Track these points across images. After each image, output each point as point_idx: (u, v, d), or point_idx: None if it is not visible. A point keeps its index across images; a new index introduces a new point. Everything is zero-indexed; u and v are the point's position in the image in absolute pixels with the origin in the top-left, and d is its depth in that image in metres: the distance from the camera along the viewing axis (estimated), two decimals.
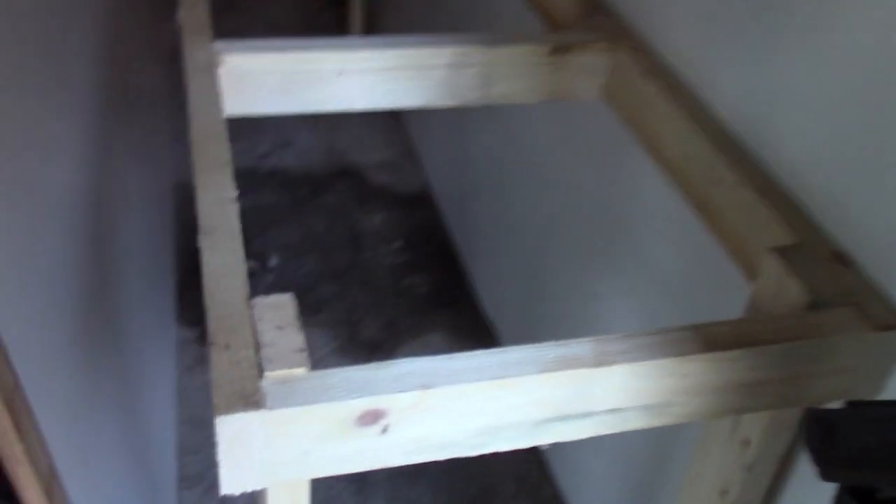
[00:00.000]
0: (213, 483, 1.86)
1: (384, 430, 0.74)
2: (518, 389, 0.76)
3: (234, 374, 0.72)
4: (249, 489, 0.75)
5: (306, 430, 0.72)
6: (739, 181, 1.01)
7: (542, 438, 0.81)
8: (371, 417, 0.73)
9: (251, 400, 0.70)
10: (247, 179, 2.79)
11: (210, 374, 0.73)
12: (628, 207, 1.45)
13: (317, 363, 2.13)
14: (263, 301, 0.79)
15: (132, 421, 1.83)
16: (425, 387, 0.73)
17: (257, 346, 0.75)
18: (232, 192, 0.94)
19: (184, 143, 1.09)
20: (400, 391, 0.73)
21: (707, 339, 0.81)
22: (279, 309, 0.79)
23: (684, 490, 1.14)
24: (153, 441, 1.90)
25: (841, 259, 0.92)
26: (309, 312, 2.35)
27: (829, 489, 1.02)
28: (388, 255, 2.61)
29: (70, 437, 1.17)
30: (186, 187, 2.68)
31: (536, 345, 0.78)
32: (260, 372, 0.72)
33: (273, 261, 2.52)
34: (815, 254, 0.92)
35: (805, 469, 1.04)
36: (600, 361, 0.77)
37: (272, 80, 1.18)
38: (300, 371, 0.73)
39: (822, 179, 0.97)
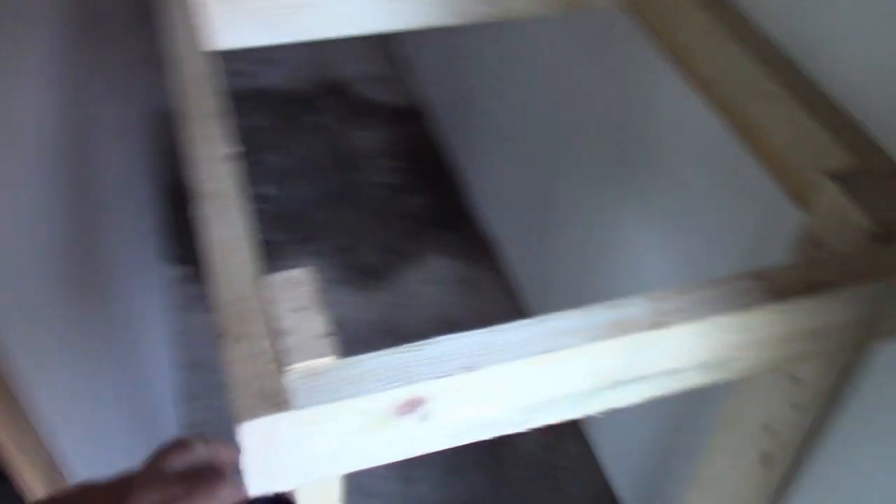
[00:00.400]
0: (216, 430, 1.81)
1: (425, 417, 0.67)
2: (568, 361, 0.68)
3: (252, 370, 0.64)
4: (279, 490, 0.68)
5: (340, 426, 0.64)
6: (789, 94, 0.92)
7: (592, 408, 0.74)
8: (411, 406, 0.65)
9: (276, 400, 0.62)
10: (228, 101, 2.65)
11: (225, 372, 0.65)
12: (651, 125, 1.35)
13: None
14: (277, 279, 0.70)
15: (128, 367, 1.76)
16: (469, 369, 0.65)
17: (276, 334, 0.66)
18: (229, 147, 0.84)
19: (157, 68, 0.98)
20: (441, 376, 0.65)
21: (771, 287, 0.73)
22: (296, 287, 0.70)
23: (723, 424, 1.08)
24: (153, 386, 1.83)
25: None
26: (303, 241, 2.27)
27: (875, 430, 0.97)
28: (384, 174, 2.51)
29: (62, 387, 1.10)
30: (162, 115, 2.55)
31: (584, 309, 0.70)
32: (282, 365, 0.64)
33: (269, 189, 2.42)
34: (878, 177, 0.84)
35: (853, 407, 0.98)
36: (657, 322, 0.69)
37: (262, 6, 1.06)
38: (328, 360, 0.65)
39: (882, 94, 0.87)
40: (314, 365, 0.64)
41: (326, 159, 2.55)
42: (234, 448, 0.54)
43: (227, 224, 0.75)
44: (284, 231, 2.27)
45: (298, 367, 0.64)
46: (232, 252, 0.73)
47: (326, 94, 2.78)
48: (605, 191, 1.55)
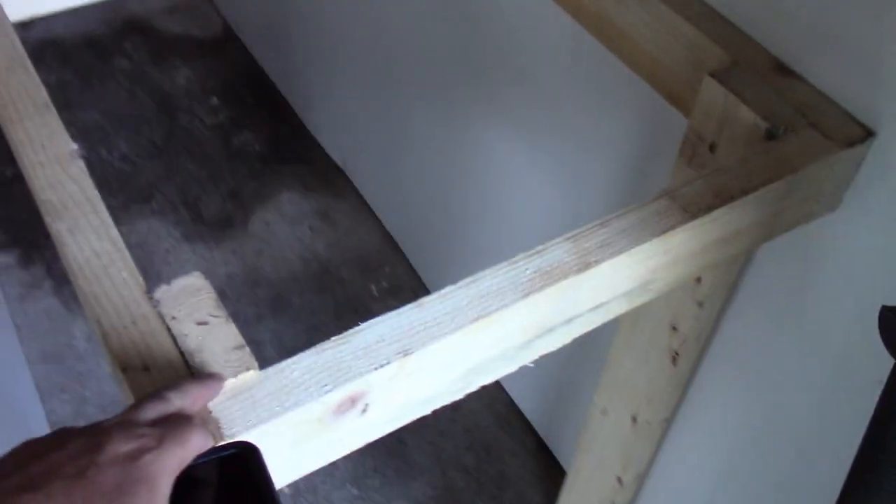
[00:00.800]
0: (92, 420, 1.69)
1: (364, 410, 0.62)
2: (501, 322, 0.65)
3: None
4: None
5: (277, 443, 0.58)
6: None
7: (526, 359, 0.71)
8: (349, 403, 0.60)
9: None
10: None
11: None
12: (508, 34, 1.30)
13: (164, 256, 1.93)
14: (173, 291, 0.62)
15: None
16: (405, 353, 0.60)
17: (181, 356, 0.59)
18: (69, 142, 0.73)
19: None
20: (377, 367, 0.59)
21: (684, 205, 0.71)
22: (192, 296, 0.62)
23: (628, 327, 1.09)
24: (14, 384, 1.69)
25: (784, 70, 0.84)
26: (139, 201, 2.11)
27: (770, 313, 1.00)
28: (211, 114, 2.35)
29: None
30: None
31: (505, 264, 0.66)
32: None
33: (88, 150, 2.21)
34: (758, 72, 0.83)
35: (747, 296, 1.01)
36: (585, 264, 0.67)
37: None
38: (250, 375, 0.58)
39: None
40: (237, 384, 0.58)
41: (144, 107, 2.36)
42: (210, 386, 0.54)
43: (90, 237, 0.66)
44: (116, 194, 2.11)
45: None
46: (106, 269, 0.64)
47: (127, 34, 2.56)
48: (464, 106, 1.50)
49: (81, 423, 1.44)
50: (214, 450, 0.50)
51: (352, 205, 2.12)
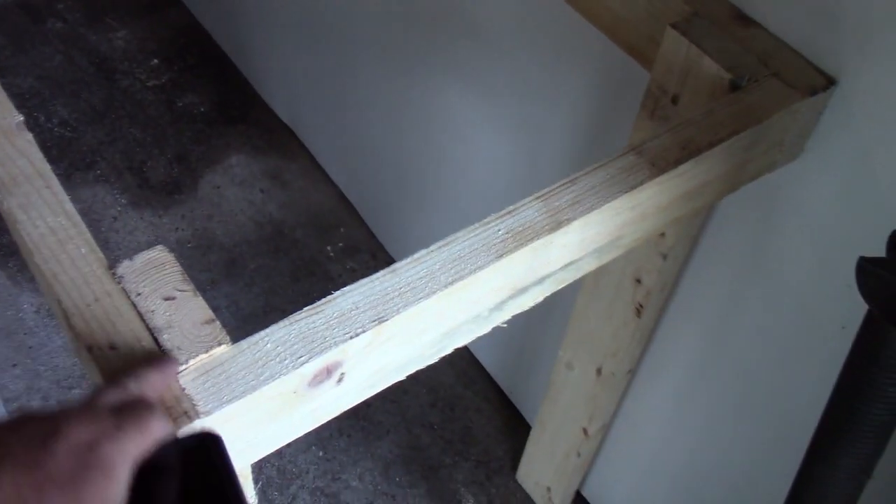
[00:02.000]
0: (47, 395, 1.66)
1: (340, 380, 0.61)
2: (475, 285, 0.64)
3: None
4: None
5: (253, 418, 0.57)
6: None
7: (499, 320, 0.71)
8: (324, 374, 0.59)
9: (178, 411, 0.54)
10: None
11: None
12: None
13: (111, 224, 1.88)
14: (131, 266, 0.60)
15: None
16: (379, 320, 0.59)
17: (153, 333, 0.57)
18: (15, 114, 0.70)
19: None
20: (353, 336, 0.58)
21: (651, 159, 0.71)
22: (157, 270, 0.60)
23: (593, 281, 1.10)
24: None
25: (745, 20, 0.83)
26: (82, 168, 2.05)
27: (732, 263, 1.01)
28: (152, 75, 2.28)
29: None
30: None
31: (477, 225, 0.65)
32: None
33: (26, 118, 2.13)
34: (719, 23, 0.82)
35: (710, 247, 1.01)
36: (556, 223, 0.66)
37: None
38: (222, 350, 0.57)
39: None
40: (209, 359, 0.56)
41: (81, 70, 2.28)
42: (166, 371, 0.53)
43: (44, 212, 0.63)
44: (57, 161, 2.04)
45: (192, 366, 0.56)
46: (63, 245, 0.61)
47: None
48: (414, 61, 1.47)
49: (36, 398, 1.39)
50: (177, 440, 0.50)
51: (303, 166, 2.08)
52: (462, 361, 1.73)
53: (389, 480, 1.59)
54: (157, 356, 0.55)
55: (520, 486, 1.58)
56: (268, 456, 0.58)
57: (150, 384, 0.52)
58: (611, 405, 1.26)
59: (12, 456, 0.41)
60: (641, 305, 1.04)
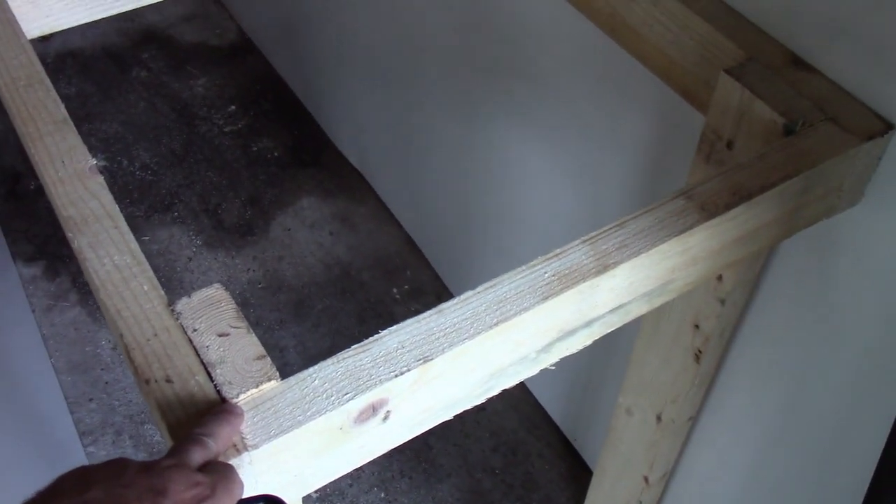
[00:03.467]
0: (120, 429, 1.71)
1: (385, 418, 0.62)
2: (520, 326, 0.65)
3: (191, 415, 0.57)
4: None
5: (299, 453, 0.59)
6: None
7: (546, 362, 0.71)
8: (370, 411, 0.61)
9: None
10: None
11: (158, 421, 0.58)
12: (521, 34, 1.30)
13: (186, 264, 1.95)
14: (193, 303, 0.63)
15: (3, 380, 1.63)
16: (425, 359, 0.61)
17: (204, 368, 0.59)
18: (88, 158, 0.74)
19: None
20: (398, 374, 0.60)
21: (702, 204, 0.71)
22: (213, 307, 0.63)
23: (650, 328, 1.09)
24: (38, 395, 1.71)
25: (800, 64, 0.83)
26: (160, 210, 2.12)
27: (793, 309, 0.99)
28: (228, 121, 2.36)
29: None
30: None
31: (524, 268, 0.66)
32: (222, 402, 0.58)
33: (108, 161, 2.23)
34: (774, 67, 0.82)
35: (769, 292, 1.00)
36: (603, 266, 0.66)
37: None
38: (271, 385, 0.59)
39: None
40: (259, 394, 0.58)
41: (162, 116, 2.38)
42: (234, 424, 0.55)
43: (111, 251, 0.67)
44: (138, 203, 2.12)
45: (242, 400, 0.58)
46: (127, 283, 0.65)
47: (143, 44, 2.58)
48: (480, 107, 1.50)
49: (110, 432, 1.44)
50: (247, 500, 0.53)
51: (371, 208, 2.12)
52: (525, 406, 1.73)
53: None
54: (224, 408, 0.57)
55: None
56: (331, 496, 0.60)
57: (223, 440, 0.54)
58: (672, 453, 1.24)
59: None
60: (700, 351, 1.03)
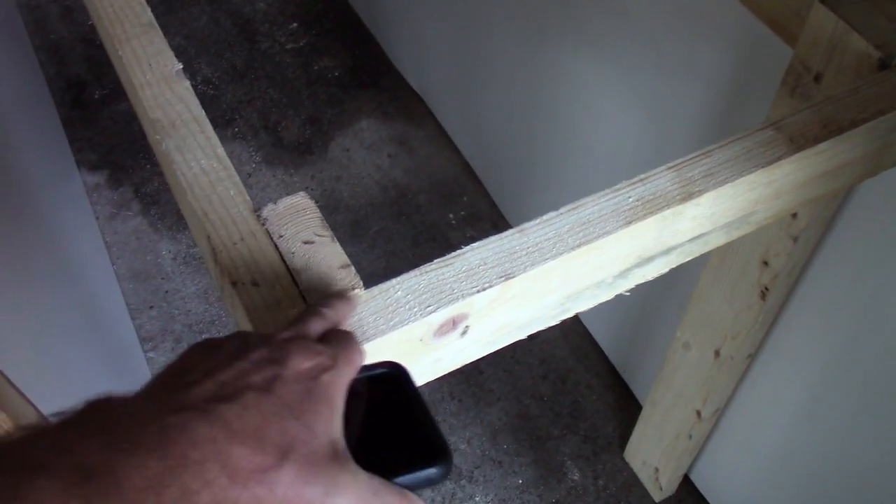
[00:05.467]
0: (180, 337, 1.75)
1: (464, 333, 0.63)
2: (602, 249, 0.64)
3: (277, 320, 0.58)
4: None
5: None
6: None
7: (622, 288, 0.71)
8: (450, 325, 0.61)
9: None
10: None
11: (243, 325, 0.59)
12: None
13: (245, 180, 1.97)
14: (274, 210, 0.63)
15: (68, 281, 1.67)
16: (507, 276, 0.61)
17: (289, 273, 0.60)
18: (175, 62, 0.74)
19: None
20: (480, 290, 0.60)
21: (790, 136, 0.70)
22: (298, 215, 0.63)
23: (716, 262, 1.08)
24: (102, 299, 1.75)
25: None
26: (221, 125, 2.14)
27: (864, 251, 0.97)
28: (290, 39, 2.36)
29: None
30: (34, 3, 2.32)
31: (608, 191, 0.66)
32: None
33: None
34: None
35: (843, 232, 0.98)
36: (687, 194, 0.66)
37: None
38: (356, 294, 0.59)
39: None
40: None
41: (225, 31, 2.38)
42: (351, 302, 0.56)
43: (197, 155, 0.67)
44: None
45: None
46: (214, 186, 0.65)
47: None
48: (549, 34, 1.47)
49: (169, 339, 1.47)
50: (368, 367, 0.51)
51: (430, 133, 2.11)
52: (576, 336, 1.74)
53: (497, 447, 1.61)
54: (342, 290, 0.57)
55: (627, 464, 1.58)
56: None
57: (341, 314, 0.54)
58: (727, 389, 1.24)
59: (250, 382, 0.42)
60: (767, 289, 1.02)
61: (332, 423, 0.44)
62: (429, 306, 0.59)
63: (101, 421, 0.39)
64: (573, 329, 1.73)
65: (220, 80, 2.25)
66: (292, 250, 0.61)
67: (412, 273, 0.61)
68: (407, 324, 0.58)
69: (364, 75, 2.26)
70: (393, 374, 0.52)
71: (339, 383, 0.46)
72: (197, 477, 0.37)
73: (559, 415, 1.65)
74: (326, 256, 0.61)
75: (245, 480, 0.39)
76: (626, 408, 1.65)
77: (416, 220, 1.95)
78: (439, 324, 0.60)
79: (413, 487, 0.45)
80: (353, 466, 0.43)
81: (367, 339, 0.58)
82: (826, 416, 1.15)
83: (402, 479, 0.45)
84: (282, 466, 0.40)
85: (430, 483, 0.46)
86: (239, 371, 0.43)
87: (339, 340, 0.49)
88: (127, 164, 2.03)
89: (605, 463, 1.59)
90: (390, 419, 0.49)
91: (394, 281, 0.60)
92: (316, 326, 0.51)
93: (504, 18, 1.61)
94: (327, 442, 0.42)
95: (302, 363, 0.45)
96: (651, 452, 1.48)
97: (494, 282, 0.60)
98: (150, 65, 0.73)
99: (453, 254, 0.62)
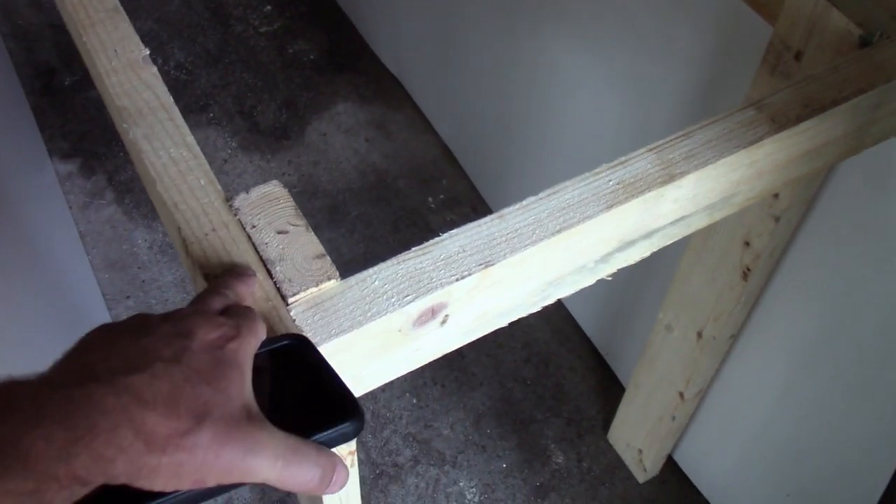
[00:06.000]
0: None
1: (444, 322, 0.61)
2: (583, 234, 0.63)
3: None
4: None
5: (357, 353, 0.58)
6: None
7: (604, 273, 0.70)
8: (429, 314, 0.60)
9: None
10: None
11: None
12: None
13: (221, 166, 1.94)
14: (246, 199, 0.62)
15: (43, 274, 1.65)
16: (486, 264, 0.60)
17: (264, 264, 0.59)
18: (141, 48, 0.72)
19: None
20: (459, 278, 0.59)
21: (772, 115, 0.69)
22: (271, 204, 0.62)
23: (698, 243, 1.07)
24: (78, 290, 1.73)
25: None
26: (195, 111, 2.11)
27: (845, 231, 0.97)
28: (264, 22, 2.32)
29: None
30: None
31: (588, 175, 0.64)
32: (284, 299, 0.57)
33: None
34: None
35: (824, 211, 0.98)
36: (669, 176, 0.65)
37: None
38: (331, 284, 0.58)
39: None
40: (318, 293, 0.58)
41: (197, 14, 2.34)
42: (249, 282, 0.56)
43: (166, 143, 0.66)
44: None
45: (301, 299, 0.57)
46: (184, 176, 0.64)
47: None
48: (525, 14, 1.46)
49: None
50: (269, 340, 0.51)
51: (408, 116, 2.09)
52: (558, 318, 1.73)
53: (480, 431, 1.60)
54: (237, 268, 0.57)
55: (610, 446, 1.58)
56: (363, 399, 0.60)
57: (238, 294, 0.54)
58: (710, 370, 1.24)
59: (156, 353, 0.43)
60: (749, 269, 1.02)
61: (243, 388, 0.44)
62: (407, 296, 0.58)
63: (3, 400, 0.38)
64: (555, 312, 1.72)
65: (193, 64, 2.22)
66: (266, 241, 0.60)
67: (389, 262, 0.59)
68: (385, 314, 0.57)
69: (340, 58, 2.23)
70: (295, 345, 0.52)
71: (245, 350, 0.46)
72: (110, 444, 0.37)
73: (542, 398, 1.65)
74: (301, 246, 0.60)
75: (163, 446, 0.39)
76: (609, 390, 1.65)
77: (395, 204, 1.93)
78: (418, 314, 0.59)
79: (329, 445, 0.46)
80: (270, 426, 0.43)
81: (344, 331, 0.56)
82: (808, 396, 1.14)
83: (317, 438, 0.45)
84: (199, 430, 0.40)
85: (345, 438, 0.47)
86: (145, 346, 0.43)
87: (241, 313, 0.49)
88: (100, 151, 2.00)
89: (588, 445, 1.59)
90: (299, 387, 0.49)
91: (371, 270, 0.59)
92: (216, 304, 0.51)
93: (481, 0, 1.59)
94: (241, 405, 0.43)
95: (207, 334, 0.45)
96: (635, 434, 1.48)
97: (474, 269, 0.59)
98: (115, 51, 0.71)
99: (431, 241, 0.61)
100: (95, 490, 0.38)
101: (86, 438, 0.37)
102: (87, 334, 0.45)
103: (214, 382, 0.43)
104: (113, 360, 0.42)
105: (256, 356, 0.49)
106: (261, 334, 0.49)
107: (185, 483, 0.39)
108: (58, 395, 0.38)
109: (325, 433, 0.46)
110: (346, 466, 0.46)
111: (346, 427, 0.47)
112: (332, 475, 0.45)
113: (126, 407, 0.39)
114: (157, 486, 0.39)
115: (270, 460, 0.42)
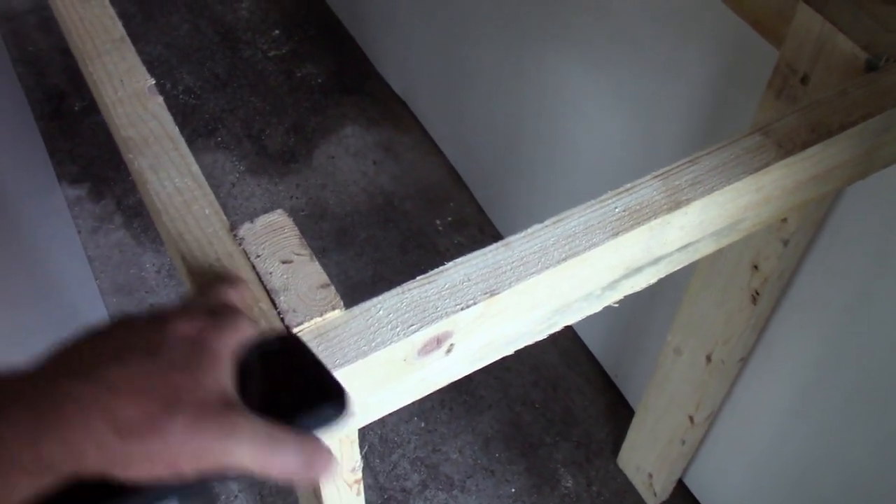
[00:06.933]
0: None
1: (449, 351, 0.61)
2: (589, 262, 0.63)
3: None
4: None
5: (362, 383, 0.58)
6: None
7: (610, 300, 0.70)
8: (434, 343, 0.60)
9: None
10: None
11: None
12: None
13: (230, 190, 1.94)
14: (251, 229, 0.62)
15: (51, 299, 1.65)
16: (492, 293, 0.59)
17: (268, 294, 0.58)
18: (147, 77, 0.72)
19: None
20: (464, 307, 0.58)
21: (778, 141, 0.68)
22: (276, 233, 0.62)
23: (706, 267, 1.07)
24: (84, 316, 1.73)
25: None
26: (203, 135, 2.12)
27: (854, 253, 0.96)
28: (273, 46, 2.34)
29: None
30: (11, 14, 2.30)
31: (594, 202, 0.64)
32: (289, 329, 0.57)
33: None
34: None
35: (833, 234, 0.97)
36: (675, 203, 0.64)
37: None
38: (335, 314, 0.58)
39: None
40: (322, 323, 0.57)
41: (206, 39, 2.36)
42: (241, 291, 0.56)
43: (171, 173, 0.66)
44: (181, 127, 2.10)
45: (306, 329, 0.57)
46: (189, 206, 0.64)
47: None
48: (532, 37, 1.46)
49: None
50: (259, 340, 0.50)
51: (415, 138, 2.10)
52: (566, 341, 1.72)
53: (489, 455, 1.59)
54: (229, 277, 0.57)
55: (620, 470, 1.57)
56: (371, 424, 0.60)
57: (228, 298, 0.54)
58: (720, 393, 1.23)
59: (132, 346, 0.43)
60: (758, 293, 1.01)
61: (220, 378, 0.44)
62: (411, 325, 0.58)
63: None
64: (563, 334, 1.71)
65: (202, 89, 2.23)
66: (270, 270, 0.59)
67: (394, 291, 0.59)
68: (390, 344, 0.57)
69: (348, 81, 2.24)
70: (287, 346, 0.51)
71: (224, 342, 0.46)
72: (79, 430, 0.37)
73: (551, 421, 1.64)
74: (306, 276, 0.59)
75: (136, 435, 0.39)
76: (619, 413, 1.63)
77: (403, 226, 1.93)
78: (423, 343, 0.59)
79: (312, 429, 0.45)
80: (248, 413, 0.43)
81: (349, 361, 0.56)
82: (818, 419, 1.13)
83: (300, 423, 0.44)
84: (172, 416, 0.40)
85: (327, 422, 0.46)
86: (121, 340, 0.43)
87: (224, 310, 0.49)
88: (108, 176, 2.00)
89: (598, 469, 1.58)
90: (289, 385, 0.48)
91: (375, 300, 0.59)
92: (200, 302, 0.51)
93: (488, 22, 1.60)
94: (217, 392, 0.43)
95: (185, 327, 0.45)
96: (645, 458, 1.47)
97: (479, 298, 0.59)
98: (121, 81, 0.72)
99: (436, 270, 0.60)
100: (74, 485, 0.38)
101: (53, 424, 0.37)
102: (71, 337, 0.45)
103: (188, 371, 0.42)
104: (87, 355, 0.42)
105: (246, 356, 0.48)
106: (244, 330, 0.48)
107: (159, 470, 0.39)
108: (27, 385, 0.39)
109: (308, 417, 0.45)
110: (330, 451, 0.44)
111: (327, 409, 0.45)
112: (315, 460, 0.43)
113: (97, 395, 0.39)
114: (132, 474, 0.39)
115: (247, 445, 0.41)
